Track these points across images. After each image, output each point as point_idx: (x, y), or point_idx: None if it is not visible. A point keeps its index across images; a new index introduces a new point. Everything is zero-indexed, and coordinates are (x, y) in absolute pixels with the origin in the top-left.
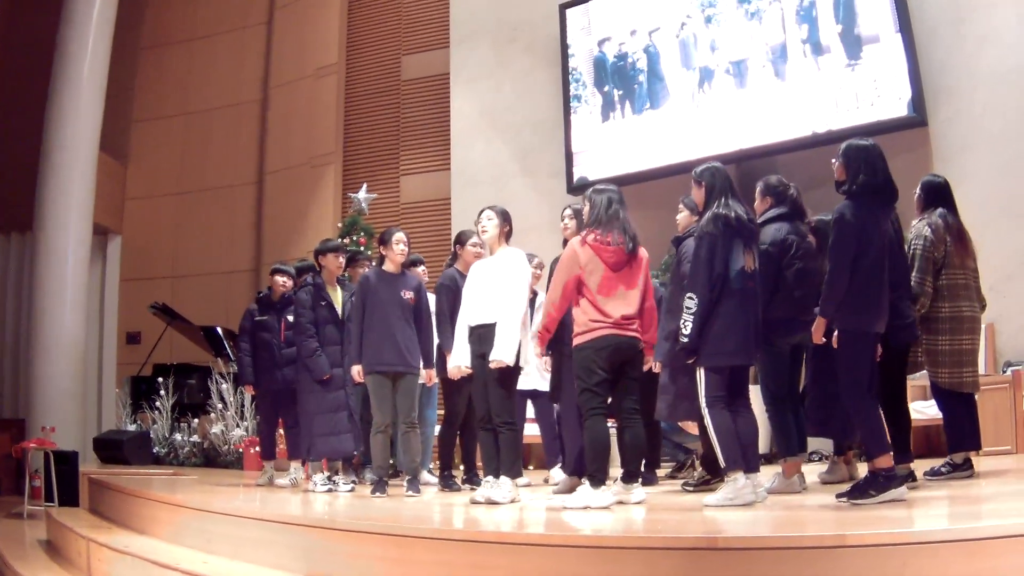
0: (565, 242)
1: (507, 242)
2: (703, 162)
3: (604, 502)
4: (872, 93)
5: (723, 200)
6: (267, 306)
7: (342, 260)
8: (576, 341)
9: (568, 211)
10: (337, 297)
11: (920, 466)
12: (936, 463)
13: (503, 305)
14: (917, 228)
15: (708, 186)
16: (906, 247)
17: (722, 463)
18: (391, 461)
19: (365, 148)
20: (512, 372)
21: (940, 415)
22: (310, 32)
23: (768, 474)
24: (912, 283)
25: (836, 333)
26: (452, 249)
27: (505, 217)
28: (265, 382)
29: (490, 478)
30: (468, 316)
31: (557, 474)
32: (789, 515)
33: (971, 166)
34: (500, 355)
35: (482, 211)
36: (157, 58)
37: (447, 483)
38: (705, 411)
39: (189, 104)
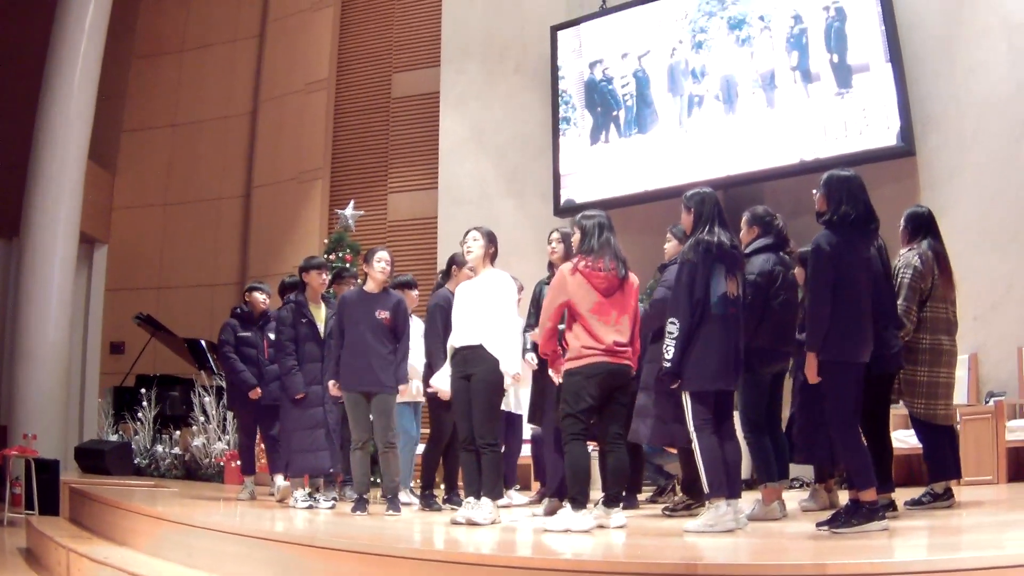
0: (551, 265)
1: (492, 264)
2: (690, 187)
3: (585, 525)
4: (861, 122)
5: (709, 227)
6: (248, 322)
7: (325, 277)
8: (567, 366)
9: (555, 235)
10: (320, 314)
11: (901, 495)
12: (917, 492)
13: (491, 326)
14: (906, 258)
15: (696, 213)
16: (893, 276)
17: (706, 488)
18: (372, 478)
19: (353, 164)
20: (497, 393)
21: (920, 444)
22: (301, 47)
23: (749, 500)
24: (898, 311)
25: (820, 364)
26: (446, 269)
27: (491, 238)
28: (242, 397)
29: (471, 499)
30: (453, 338)
31: (515, 497)
32: (769, 543)
33: (958, 195)
34: (511, 367)
35: (468, 232)
36: (148, 68)
37: (428, 502)
38: (694, 435)
39: (179, 115)
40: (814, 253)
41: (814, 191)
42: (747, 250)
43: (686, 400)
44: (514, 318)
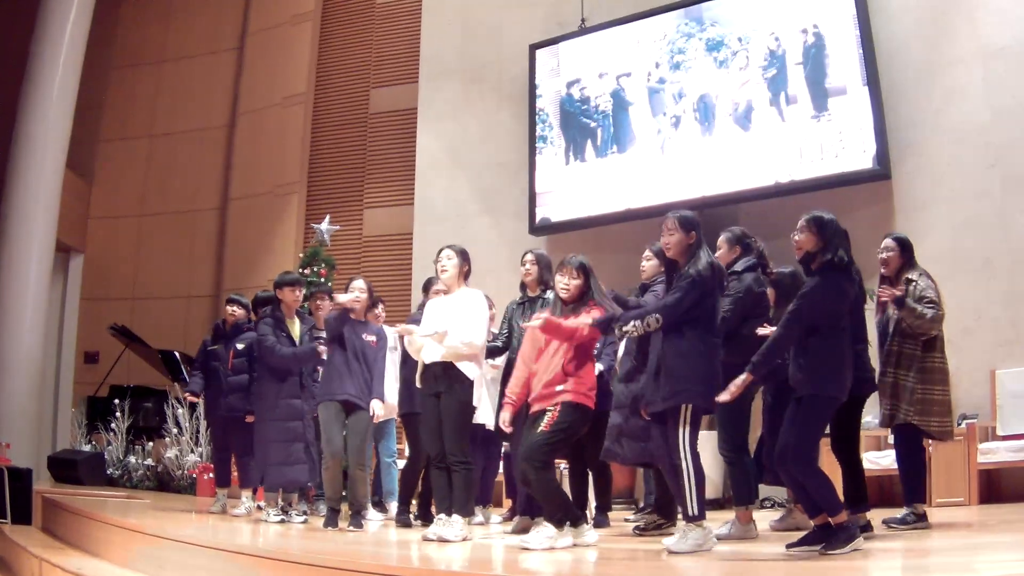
0: (523, 286)
1: (466, 281)
2: (667, 208)
3: (568, 542)
4: (837, 145)
5: (706, 250)
6: (220, 336)
7: (299, 293)
8: (574, 398)
9: (530, 256)
10: (295, 329)
11: (872, 516)
12: (887, 513)
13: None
14: (921, 285)
15: (698, 236)
16: (910, 299)
17: (694, 510)
18: (344, 493)
19: (330, 179)
20: (468, 411)
21: (893, 466)
22: (281, 60)
23: (717, 520)
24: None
25: (808, 396)
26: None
27: (464, 256)
28: (215, 409)
29: (442, 516)
30: (423, 354)
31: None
32: (740, 566)
33: (932, 221)
34: (449, 348)
35: (441, 250)
36: (127, 78)
37: (401, 519)
38: (688, 455)
39: (156, 126)
40: (808, 296)
41: (797, 232)
42: (737, 268)
43: (685, 417)
44: (482, 335)
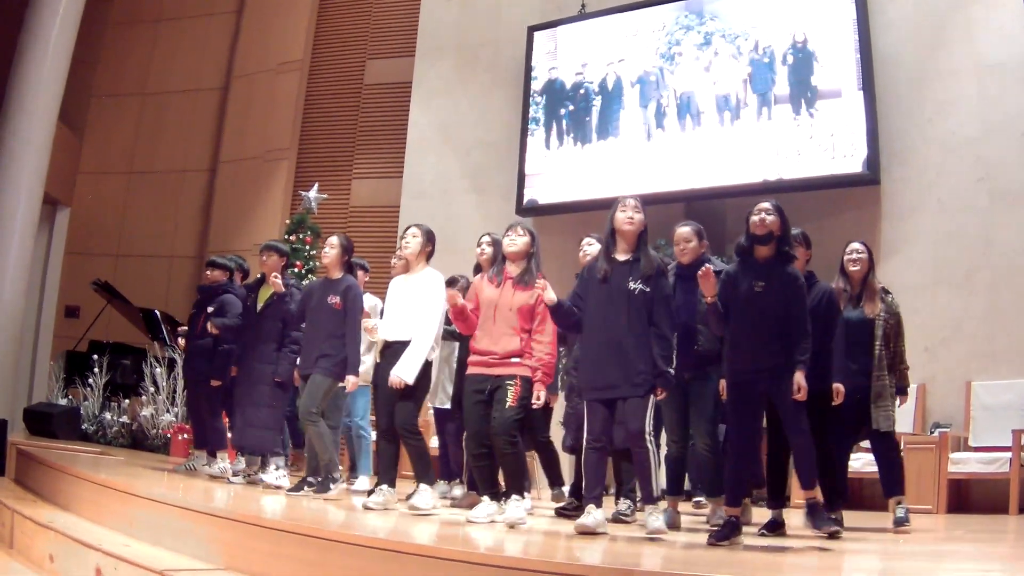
0: (478, 267)
1: (428, 262)
2: (654, 197)
3: (523, 511)
4: (828, 147)
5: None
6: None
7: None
8: (530, 373)
9: (487, 238)
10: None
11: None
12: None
13: (414, 326)
14: (895, 300)
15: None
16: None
17: (658, 491)
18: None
19: (320, 147)
20: (424, 387)
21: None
22: (278, 26)
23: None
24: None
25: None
26: None
27: (429, 237)
28: (185, 372)
29: (384, 486)
30: (383, 331)
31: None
32: (696, 554)
33: (917, 230)
34: (400, 373)
35: (408, 228)
36: (123, 34)
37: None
38: (652, 440)
39: (150, 84)
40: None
41: (766, 216)
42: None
43: (653, 403)
44: (435, 324)
